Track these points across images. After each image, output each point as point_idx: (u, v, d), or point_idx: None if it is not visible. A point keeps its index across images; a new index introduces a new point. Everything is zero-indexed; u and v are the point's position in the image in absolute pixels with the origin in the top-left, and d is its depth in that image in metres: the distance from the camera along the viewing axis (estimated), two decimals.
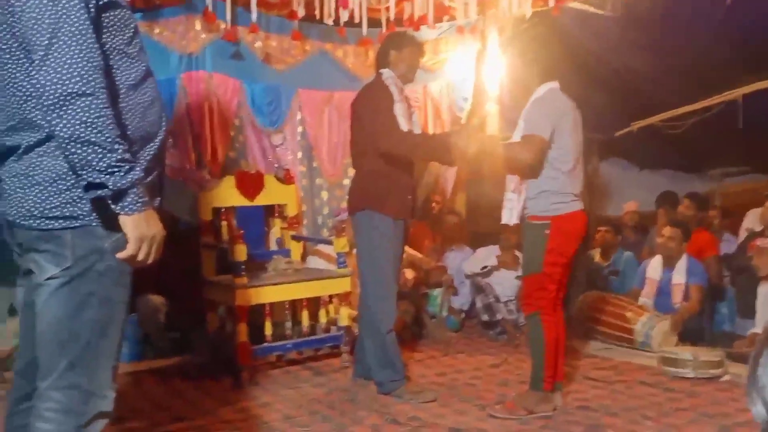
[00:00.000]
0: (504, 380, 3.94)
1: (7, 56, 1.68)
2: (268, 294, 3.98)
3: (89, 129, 1.60)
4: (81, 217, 1.70)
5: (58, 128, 1.60)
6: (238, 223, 4.34)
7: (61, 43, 1.59)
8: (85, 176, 1.63)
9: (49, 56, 1.58)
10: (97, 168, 1.62)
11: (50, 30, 1.58)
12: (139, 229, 1.70)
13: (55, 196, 1.69)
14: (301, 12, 4.78)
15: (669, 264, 4.93)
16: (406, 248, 4.28)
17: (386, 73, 3.64)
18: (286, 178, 4.64)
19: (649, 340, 4.47)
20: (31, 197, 1.70)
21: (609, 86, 5.76)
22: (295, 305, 4.28)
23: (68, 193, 1.70)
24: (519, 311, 4.96)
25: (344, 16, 4.77)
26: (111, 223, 1.70)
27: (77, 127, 1.59)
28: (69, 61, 1.59)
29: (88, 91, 1.60)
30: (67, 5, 1.60)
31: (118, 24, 1.75)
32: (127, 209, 1.67)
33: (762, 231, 5.17)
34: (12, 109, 1.70)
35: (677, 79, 5.58)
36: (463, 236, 5.87)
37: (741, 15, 4.52)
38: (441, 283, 5.30)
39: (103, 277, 1.72)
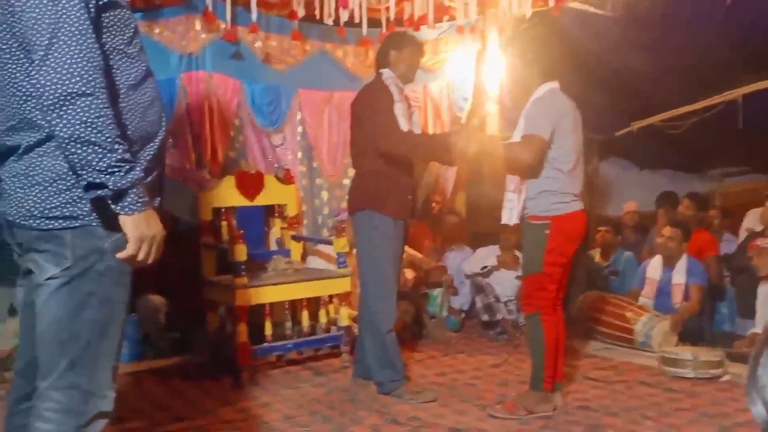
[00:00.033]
0: (504, 380, 3.94)
1: (7, 56, 1.68)
2: (268, 294, 3.98)
3: (89, 129, 1.60)
4: (81, 217, 1.70)
5: (58, 128, 1.60)
6: (238, 223, 4.34)
7: (61, 43, 1.59)
8: (85, 176, 1.63)
9: (49, 56, 1.58)
10: (97, 168, 1.62)
11: (50, 30, 1.58)
12: (139, 229, 1.70)
13: (55, 196, 1.70)
14: (301, 12, 4.79)
15: (669, 264, 4.93)
16: (406, 248, 4.28)
17: (386, 73, 3.64)
18: (286, 178, 4.64)
19: (649, 340, 4.47)
20: (31, 197, 1.70)
21: (609, 86, 5.76)
22: (295, 305, 4.28)
23: (68, 193, 1.70)
24: (519, 311, 4.96)
25: (344, 16, 4.77)
26: (111, 223, 1.70)
27: (77, 127, 1.59)
28: (69, 61, 1.59)
29: (88, 91, 1.60)
30: (67, 5, 1.60)
31: (118, 24, 1.75)
32: (127, 209, 1.67)
33: (762, 231, 5.16)
34: (12, 109, 1.70)
35: (677, 79, 5.58)
36: (463, 236, 5.88)
37: (741, 15, 4.52)
38: (441, 283, 5.30)
39: (103, 277, 1.72)
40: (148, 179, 1.79)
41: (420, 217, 5.22)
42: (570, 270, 3.39)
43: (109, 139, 1.62)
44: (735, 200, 7.03)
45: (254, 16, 4.50)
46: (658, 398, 3.56)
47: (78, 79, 1.59)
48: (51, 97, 1.59)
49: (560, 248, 3.24)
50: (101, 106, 1.62)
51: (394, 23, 4.97)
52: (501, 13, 5.28)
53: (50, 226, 1.69)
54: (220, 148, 4.61)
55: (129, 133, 1.75)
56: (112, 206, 1.67)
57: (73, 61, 1.59)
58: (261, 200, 4.50)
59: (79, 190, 1.68)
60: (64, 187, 1.70)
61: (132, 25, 1.80)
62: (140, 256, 1.72)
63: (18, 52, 1.66)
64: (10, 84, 1.69)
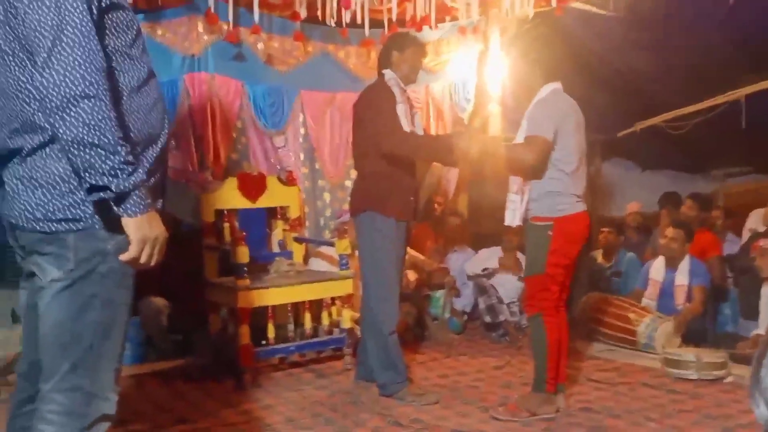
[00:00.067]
0: (507, 382, 3.93)
1: (10, 58, 1.68)
2: (270, 296, 3.98)
3: (92, 131, 1.60)
4: (84, 219, 1.70)
5: (61, 131, 1.60)
6: (241, 224, 4.34)
7: (64, 45, 1.59)
8: (88, 179, 1.63)
9: (53, 59, 1.58)
10: (100, 170, 1.61)
11: (53, 32, 1.58)
12: (142, 231, 1.69)
13: (58, 198, 1.69)
14: (303, 13, 4.79)
15: (672, 265, 4.92)
16: (408, 250, 4.27)
17: (388, 74, 3.63)
18: (288, 180, 4.63)
19: (652, 341, 4.46)
20: (33, 200, 1.70)
21: (611, 86, 5.77)
22: (297, 307, 4.27)
23: (71, 195, 1.70)
24: (521, 313, 4.96)
25: (346, 17, 4.77)
26: (114, 225, 1.70)
27: (80, 129, 1.59)
28: (72, 64, 1.58)
29: (91, 94, 1.60)
30: (69, 7, 1.60)
31: (121, 26, 1.75)
32: (129, 211, 1.67)
33: (765, 232, 5.15)
34: (15, 111, 1.70)
35: (680, 79, 5.58)
36: (465, 237, 5.87)
37: (743, 14, 4.52)
38: (443, 284, 5.29)
39: (105, 279, 1.72)
40: (151, 181, 1.79)
41: (422, 218, 5.22)
42: (573, 271, 3.38)
43: (112, 142, 1.62)
44: (738, 200, 7.02)
45: (256, 17, 4.50)
46: (661, 400, 3.56)
47: (81, 81, 1.59)
48: (54, 99, 1.58)
49: (563, 249, 3.23)
50: (104, 108, 1.62)
51: (396, 24, 4.97)
52: (503, 14, 5.28)
53: (53, 229, 1.69)
54: (222, 150, 4.62)
55: (132, 134, 1.75)
56: (115, 208, 1.67)
57: (77, 63, 1.59)
58: (263, 202, 4.49)
59: (82, 193, 1.68)
60: (67, 190, 1.70)
61: (134, 27, 1.80)
62: (143, 259, 1.72)
63: (21, 55, 1.66)
64: (14, 86, 1.69)
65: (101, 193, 1.64)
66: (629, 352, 4.51)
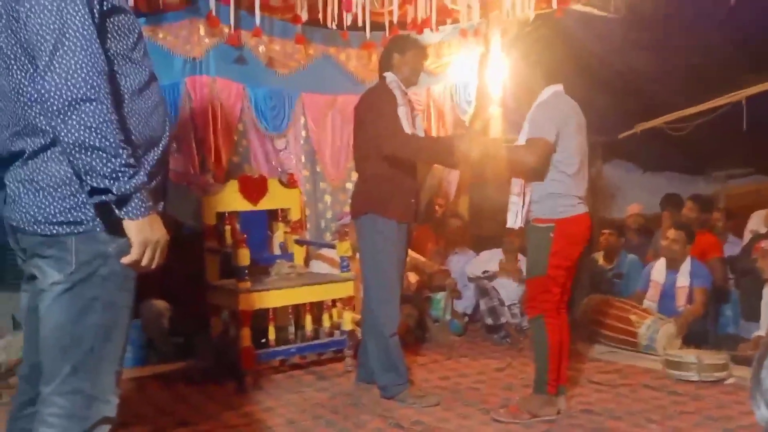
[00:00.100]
0: (508, 384, 3.93)
1: (12, 62, 1.68)
2: (271, 298, 3.98)
3: (94, 134, 1.60)
4: (85, 222, 1.71)
5: (63, 134, 1.61)
6: (242, 227, 4.34)
7: (66, 48, 1.59)
8: (89, 181, 1.63)
9: (54, 62, 1.59)
10: (101, 173, 1.62)
11: (55, 36, 1.59)
12: (143, 234, 1.70)
13: (60, 201, 1.70)
14: (304, 16, 4.80)
15: (673, 267, 4.91)
16: (409, 251, 4.27)
17: (390, 76, 3.64)
18: (289, 182, 4.64)
19: (653, 343, 4.46)
20: (35, 202, 1.70)
21: (612, 88, 5.76)
22: (298, 309, 4.28)
23: (72, 198, 1.70)
24: (522, 315, 4.96)
25: (347, 19, 4.78)
26: (115, 228, 1.70)
27: (82, 132, 1.60)
28: (74, 67, 1.59)
29: (92, 97, 1.60)
30: (71, 11, 1.61)
31: (123, 29, 1.76)
32: (131, 214, 1.68)
33: (767, 233, 5.15)
34: (17, 114, 1.70)
35: (680, 80, 5.58)
36: (466, 239, 5.87)
37: (744, 14, 4.51)
38: (444, 286, 5.29)
39: (107, 281, 1.73)
40: (152, 184, 1.79)
41: (423, 220, 5.22)
42: (574, 273, 3.38)
43: (114, 145, 1.63)
44: (739, 202, 7.01)
45: (257, 20, 4.51)
46: (662, 401, 3.56)
47: (83, 84, 1.59)
48: (56, 102, 1.59)
49: (564, 251, 3.23)
50: (105, 111, 1.62)
51: (397, 26, 4.98)
52: (504, 16, 5.28)
53: (54, 232, 1.70)
54: (223, 153, 4.62)
55: (133, 137, 1.76)
56: (116, 211, 1.67)
57: (78, 66, 1.59)
58: (264, 204, 4.50)
59: (83, 196, 1.69)
60: (68, 193, 1.70)
61: (136, 30, 1.81)
62: (144, 261, 1.73)
63: (23, 58, 1.67)
64: (15, 90, 1.70)
65: (103, 196, 1.65)
66: (630, 354, 4.51)
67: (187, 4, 4.45)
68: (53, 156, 1.70)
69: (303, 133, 5.05)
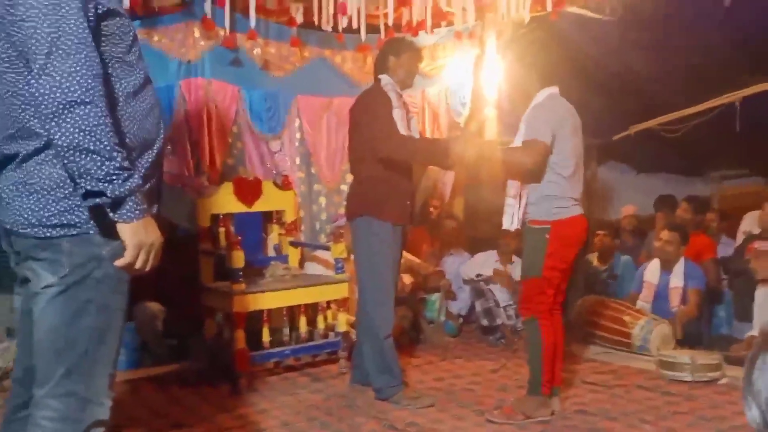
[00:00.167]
0: (502, 385, 3.94)
1: (7, 65, 1.68)
2: (265, 300, 3.98)
3: (88, 137, 1.61)
4: (78, 224, 1.71)
5: (57, 137, 1.61)
6: (236, 229, 4.34)
7: (60, 52, 1.59)
8: (83, 184, 1.64)
9: (49, 65, 1.59)
10: (95, 176, 1.62)
11: (50, 39, 1.59)
12: (138, 237, 1.70)
13: (53, 204, 1.70)
14: (299, 18, 4.81)
15: (667, 268, 4.93)
16: (404, 253, 4.28)
17: (385, 79, 3.64)
18: (284, 184, 4.63)
19: (646, 343, 4.47)
20: (29, 205, 1.70)
21: (607, 90, 5.78)
22: (292, 311, 4.28)
23: (66, 201, 1.70)
24: (518, 317, 4.96)
25: (343, 22, 4.78)
26: (109, 231, 1.70)
27: (76, 135, 1.60)
28: (68, 70, 1.59)
29: (87, 100, 1.61)
30: (66, 14, 1.61)
31: (117, 32, 1.76)
32: (125, 217, 1.68)
33: (760, 234, 5.17)
34: (11, 117, 1.70)
35: (676, 82, 5.60)
36: (461, 241, 5.87)
37: (743, 15, 4.53)
38: (439, 288, 5.29)
39: (100, 284, 1.73)
40: (146, 186, 1.79)
41: (418, 222, 5.22)
42: (569, 275, 3.39)
43: (108, 148, 1.63)
44: (733, 203, 7.05)
45: (253, 22, 4.51)
46: (656, 402, 3.57)
47: (77, 87, 1.60)
48: (50, 105, 1.59)
49: (560, 252, 3.24)
50: (100, 114, 1.62)
51: (392, 29, 4.99)
52: (499, 18, 5.30)
53: (48, 234, 1.70)
54: (218, 155, 4.62)
55: (127, 140, 1.76)
56: (111, 214, 1.68)
57: (73, 70, 1.60)
58: (259, 206, 4.49)
59: (77, 198, 1.69)
60: (62, 195, 1.70)
61: (131, 33, 1.81)
62: (138, 264, 1.73)
63: (17, 61, 1.67)
64: (10, 92, 1.70)
65: (97, 199, 1.65)
66: (625, 355, 4.52)
67: (182, 7, 4.45)
68: (47, 159, 1.70)
69: (298, 136, 5.05)
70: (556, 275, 3.26)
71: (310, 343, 4.23)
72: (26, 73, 1.65)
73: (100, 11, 1.70)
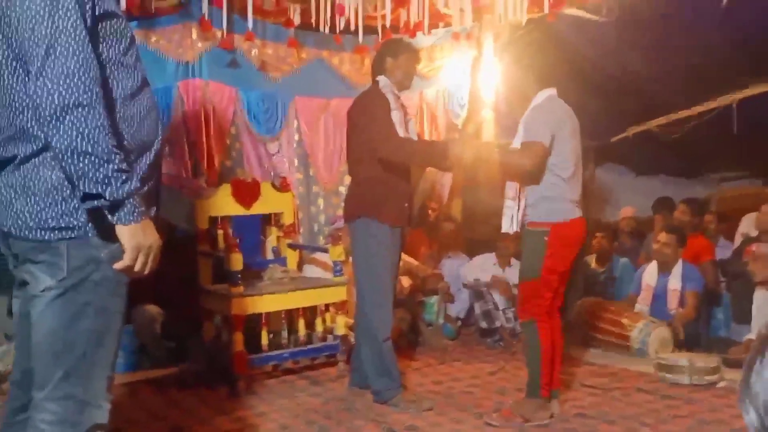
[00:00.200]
0: (501, 388, 3.93)
1: (4, 67, 1.68)
2: (264, 303, 3.97)
3: (86, 140, 1.60)
4: (77, 227, 1.70)
5: (55, 139, 1.60)
6: (235, 231, 4.33)
7: (57, 54, 1.59)
8: (81, 187, 1.63)
9: (46, 67, 1.58)
10: (93, 179, 1.61)
11: (47, 41, 1.58)
12: (136, 239, 1.69)
13: (51, 206, 1.69)
14: (297, 20, 4.80)
15: (665, 270, 4.93)
16: (402, 255, 4.27)
17: (382, 80, 3.64)
18: (282, 186, 4.63)
19: (645, 346, 4.46)
20: (27, 208, 1.70)
21: (605, 92, 5.78)
22: (291, 314, 4.27)
23: (64, 203, 1.69)
24: (516, 319, 4.96)
25: (340, 23, 4.78)
26: (107, 234, 1.70)
27: (74, 138, 1.59)
28: (66, 73, 1.59)
29: (84, 103, 1.60)
30: (63, 16, 1.60)
31: (115, 34, 1.75)
32: (123, 219, 1.67)
33: (758, 236, 5.17)
34: (8, 120, 1.70)
35: (674, 83, 5.60)
36: (459, 243, 5.87)
37: (742, 15, 4.52)
38: (437, 290, 5.28)
39: (99, 287, 1.72)
40: (145, 189, 1.79)
41: (416, 224, 5.22)
42: (568, 278, 3.39)
43: (106, 150, 1.62)
44: (731, 205, 7.04)
45: (250, 24, 4.50)
46: (655, 405, 3.56)
47: (75, 90, 1.59)
48: (48, 108, 1.58)
49: (559, 255, 3.24)
50: (97, 117, 1.62)
51: (390, 30, 4.98)
52: (496, 20, 5.29)
53: (46, 237, 1.69)
54: (216, 157, 4.61)
55: (125, 142, 1.75)
56: (109, 217, 1.67)
57: (70, 72, 1.59)
58: (257, 208, 4.48)
59: (75, 201, 1.68)
60: (60, 198, 1.69)
61: (128, 35, 1.80)
62: (137, 267, 1.72)
63: (14, 63, 1.66)
64: (7, 95, 1.69)
65: (95, 202, 1.64)
66: (624, 358, 4.51)
67: (179, 8, 4.44)
68: (45, 161, 1.69)
69: (296, 137, 5.04)
70: (555, 278, 3.25)
71: (309, 346, 4.23)
72: (23, 75, 1.65)
73: (97, 12, 1.69)
